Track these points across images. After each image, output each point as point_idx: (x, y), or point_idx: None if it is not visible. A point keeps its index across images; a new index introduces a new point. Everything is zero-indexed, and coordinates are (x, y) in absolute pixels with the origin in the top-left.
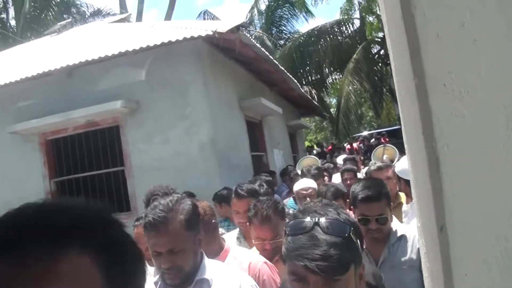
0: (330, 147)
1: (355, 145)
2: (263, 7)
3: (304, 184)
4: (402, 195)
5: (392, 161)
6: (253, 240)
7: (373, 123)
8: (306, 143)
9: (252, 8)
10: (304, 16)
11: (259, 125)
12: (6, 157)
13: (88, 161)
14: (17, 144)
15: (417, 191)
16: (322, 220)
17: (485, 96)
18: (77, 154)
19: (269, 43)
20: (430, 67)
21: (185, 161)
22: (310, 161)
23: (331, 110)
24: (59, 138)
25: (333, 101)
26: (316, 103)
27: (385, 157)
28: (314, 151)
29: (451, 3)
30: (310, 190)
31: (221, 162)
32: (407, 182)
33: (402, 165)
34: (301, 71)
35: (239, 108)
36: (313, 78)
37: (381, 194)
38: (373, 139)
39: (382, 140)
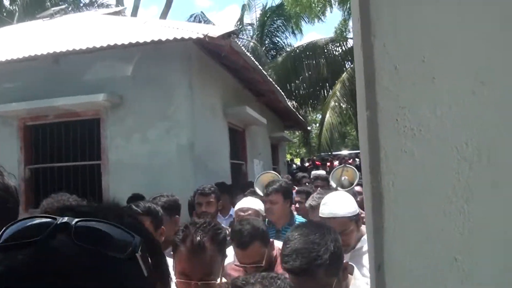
0: (310, 163)
1: (336, 163)
2: (255, 16)
3: (244, 203)
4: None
5: (351, 183)
6: (173, 277)
7: (357, 143)
8: (288, 156)
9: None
10: (300, 30)
11: (241, 133)
12: None
13: (65, 151)
14: None
15: (366, 224)
16: None
17: (438, 135)
18: (55, 143)
19: (260, 53)
20: (383, 100)
21: (161, 162)
22: (269, 176)
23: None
24: (38, 124)
25: (319, 116)
26: (301, 117)
27: (343, 178)
28: (294, 165)
29: (413, 36)
30: (249, 212)
31: (198, 167)
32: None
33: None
34: (292, 84)
35: (223, 115)
36: (301, 92)
37: (313, 270)
38: (351, 160)
39: None
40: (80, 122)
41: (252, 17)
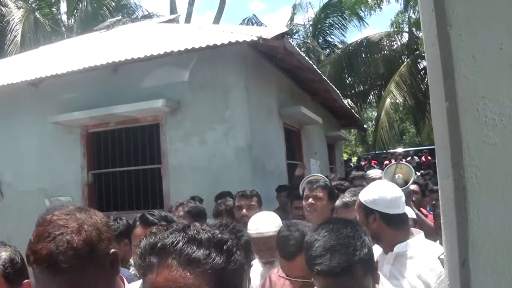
0: (366, 162)
1: (393, 161)
2: (311, 14)
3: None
4: None
5: (407, 182)
6: None
7: (416, 140)
8: (344, 156)
9: (293, 14)
10: (356, 25)
11: (297, 133)
12: (47, 147)
13: (126, 156)
14: (59, 134)
15: (444, 220)
16: None
17: None
18: (116, 149)
19: (314, 52)
20: (463, 91)
21: (220, 164)
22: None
23: (371, 123)
24: (100, 131)
25: (375, 114)
26: (357, 115)
27: (397, 176)
28: (351, 165)
29: (489, 25)
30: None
31: (256, 168)
32: (389, 219)
33: (375, 194)
34: (347, 81)
35: (278, 115)
36: (357, 89)
37: (353, 267)
38: (409, 157)
39: (423, 159)
40: (140, 127)
41: (304, 17)
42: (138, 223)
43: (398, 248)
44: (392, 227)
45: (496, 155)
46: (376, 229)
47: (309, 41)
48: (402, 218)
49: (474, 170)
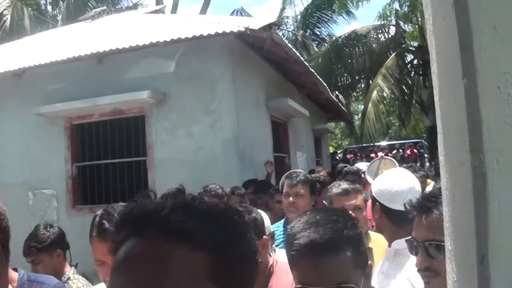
0: (352, 155)
1: (380, 154)
2: (298, 9)
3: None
4: (374, 235)
5: None
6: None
7: (401, 133)
8: (330, 149)
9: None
10: (344, 18)
11: (284, 126)
12: (31, 139)
13: (111, 149)
14: (42, 126)
15: (452, 215)
16: None
17: None
18: (101, 141)
19: (303, 44)
20: (483, 66)
21: (206, 156)
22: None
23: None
24: (84, 123)
25: (361, 107)
26: (344, 108)
27: (381, 172)
28: (337, 157)
29: None
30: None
31: (243, 160)
32: (390, 213)
33: (382, 184)
34: (335, 74)
35: (265, 108)
36: (344, 82)
37: (340, 243)
38: (395, 150)
39: (408, 152)
40: (125, 119)
41: (293, 10)
42: (94, 232)
43: (396, 244)
44: (393, 223)
45: None
46: (378, 221)
47: (298, 34)
48: (405, 215)
49: (496, 155)
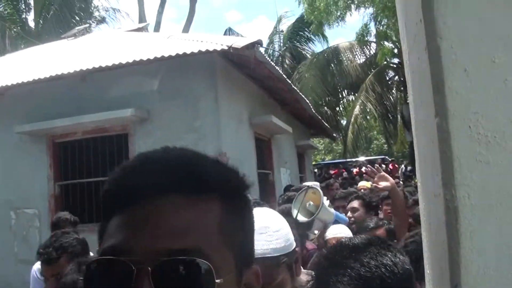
0: (335, 171)
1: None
2: (284, 27)
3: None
4: None
5: (318, 207)
6: None
7: (385, 148)
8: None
9: (275, 29)
10: (320, 38)
11: (267, 143)
12: (13, 157)
13: (94, 167)
14: (25, 144)
15: (429, 243)
16: None
17: None
18: (84, 159)
19: (288, 63)
20: (454, 106)
21: None
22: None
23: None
24: (67, 141)
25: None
26: (326, 124)
27: (308, 204)
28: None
29: (482, 36)
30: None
31: None
32: None
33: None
34: (318, 91)
35: (249, 125)
36: (328, 98)
37: None
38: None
39: (391, 167)
40: (108, 137)
41: (280, 28)
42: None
43: None
44: None
45: (489, 174)
46: None
47: (279, 52)
48: None
49: (467, 189)
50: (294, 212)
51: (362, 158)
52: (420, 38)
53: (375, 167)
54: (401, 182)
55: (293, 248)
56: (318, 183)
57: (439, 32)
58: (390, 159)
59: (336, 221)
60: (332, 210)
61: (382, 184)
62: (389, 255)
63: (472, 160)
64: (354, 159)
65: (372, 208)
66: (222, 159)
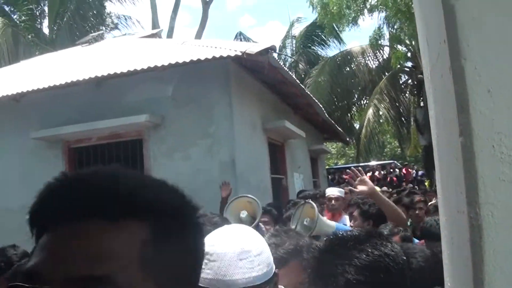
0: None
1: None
2: (296, 32)
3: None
4: None
5: (254, 219)
6: None
7: (397, 153)
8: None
9: (287, 33)
10: (334, 42)
11: (281, 147)
12: (28, 162)
13: None
14: (40, 150)
15: (451, 258)
16: None
17: None
18: (99, 164)
19: (300, 67)
20: (478, 126)
21: (204, 179)
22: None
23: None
24: (82, 147)
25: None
26: (339, 128)
27: (242, 214)
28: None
29: (505, 57)
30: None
31: (240, 183)
32: None
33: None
34: (332, 95)
35: (262, 130)
36: (339, 103)
37: None
38: (384, 171)
39: (404, 171)
40: (123, 143)
41: (293, 32)
42: None
43: None
44: None
45: None
46: None
47: (293, 57)
48: None
49: (490, 208)
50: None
51: (373, 163)
52: (443, 58)
53: (357, 170)
54: (416, 187)
55: (273, 272)
56: (343, 190)
57: (463, 53)
58: (403, 164)
59: None
60: (332, 222)
61: (359, 188)
62: (389, 246)
63: (496, 179)
64: (364, 164)
65: (369, 216)
66: (225, 187)
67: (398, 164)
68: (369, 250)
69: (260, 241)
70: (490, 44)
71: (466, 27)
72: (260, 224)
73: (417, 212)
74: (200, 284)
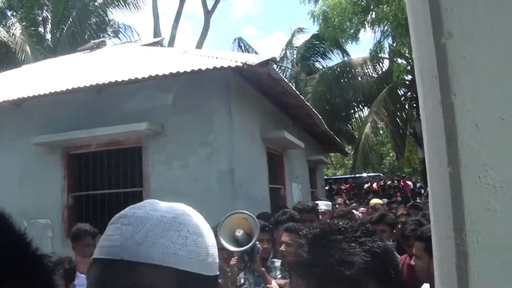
0: (347, 186)
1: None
2: (298, 42)
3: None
4: None
5: (250, 236)
6: None
7: (396, 164)
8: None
9: (288, 43)
10: (338, 54)
11: (279, 157)
12: (28, 168)
13: (107, 179)
14: (40, 155)
15: (441, 279)
16: None
17: None
18: (98, 171)
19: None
20: (465, 158)
21: (202, 188)
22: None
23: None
24: (82, 153)
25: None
26: (338, 139)
27: (238, 232)
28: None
29: (492, 94)
30: None
31: (238, 192)
32: None
33: None
34: (332, 106)
35: (261, 140)
36: (342, 114)
37: None
38: (390, 181)
39: (402, 183)
40: (122, 150)
41: (294, 43)
42: None
43: None
44: None
45: (497, 221)
46: None
47: (293, 69)
48: None
49: (475, 235)
50: (223, 242)
51: (364, 175)
52: (434, 91)
53: None
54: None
55: (215, 273)
56: (330, 203)
57: (452, 89)
58: (401, 176)
59: None
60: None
61: None
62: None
63: (481, 208)
64: (358, 175)
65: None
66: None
67: (383, 176)
68: (369, 238)
69: (207, 226)
70: (479, 82)
71: (456, 65)
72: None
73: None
74: (95, 256)
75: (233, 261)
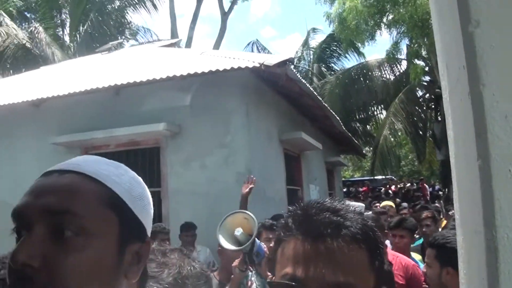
0: (365, 188)
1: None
2: (314, 43)
3: None
4: None
5: (250, 235)
6: None
7: (414, 167)
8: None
9: (304, 44)
10: (354, 56)
11: (297, 159)
12: (46, 167)
13: None
14: (59, 155)
15: (468, 277)
16: None
17: None
18: None
19: (316, 79)
20: (495, 150)
21: (220, 189)
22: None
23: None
24: (100, 153)
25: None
26: (355, 141)
27: (237, 231)
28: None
29: None
30: None
31: (256, 193)
32: None
33: None
34: (349, 107)
35: (279, 141)
36: (360, 115)
37: None
38: (409, 184)
39: (420, 185)
40: (140, 150)
41: (311, 44)
42: None
43: None
44: None
45: None
46: None
47: (310, 69)
48: None
49: (507, 230)
50: (222, 242)
51: (379, 177)
52: (462, 83)
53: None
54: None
55: (147, 235)
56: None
57: (481, 80)
58: (419, 178)
59: None
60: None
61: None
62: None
63: None
64: (373, 178)
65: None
66: (246, 185)
67: (394, 179)
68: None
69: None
70: (508, 71)
71: (484, 54)
72: (262, 244)
73: (424, 229)
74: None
75: (235, 262)
